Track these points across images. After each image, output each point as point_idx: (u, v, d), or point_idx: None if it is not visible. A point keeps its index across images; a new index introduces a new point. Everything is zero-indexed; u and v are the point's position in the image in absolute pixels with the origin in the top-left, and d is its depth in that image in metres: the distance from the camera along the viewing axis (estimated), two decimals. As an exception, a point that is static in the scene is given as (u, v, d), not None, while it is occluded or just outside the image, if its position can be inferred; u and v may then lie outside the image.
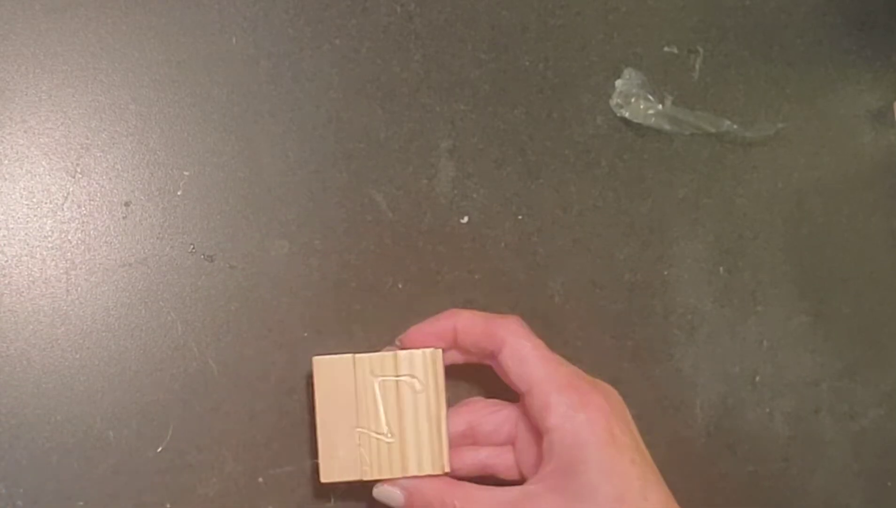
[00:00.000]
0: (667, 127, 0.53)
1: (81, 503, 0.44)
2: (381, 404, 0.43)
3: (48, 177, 0.44)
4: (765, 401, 0.54)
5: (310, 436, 0.46)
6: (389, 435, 0.43)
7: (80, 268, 0.44)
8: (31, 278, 0.43)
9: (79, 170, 0.44)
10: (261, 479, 0.46)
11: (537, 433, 0.42)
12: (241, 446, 0.46)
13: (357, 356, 0.43)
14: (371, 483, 0.43)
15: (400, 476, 0.42)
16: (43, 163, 0.44)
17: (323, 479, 0.43)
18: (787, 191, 0.56)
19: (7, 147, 0.43)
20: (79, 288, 0.44)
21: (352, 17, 0.49)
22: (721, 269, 0.54)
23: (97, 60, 0.45)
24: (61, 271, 0.44)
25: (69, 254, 0.44)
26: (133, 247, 0.45)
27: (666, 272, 0.53)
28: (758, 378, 0.54)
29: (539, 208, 0.51)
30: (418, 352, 0.43)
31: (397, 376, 0.43)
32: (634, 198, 0.53)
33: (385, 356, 0.43)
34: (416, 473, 0.42)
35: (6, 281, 0.43)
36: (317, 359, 0.43)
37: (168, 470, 0.44)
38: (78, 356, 0.44)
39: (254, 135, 0.47)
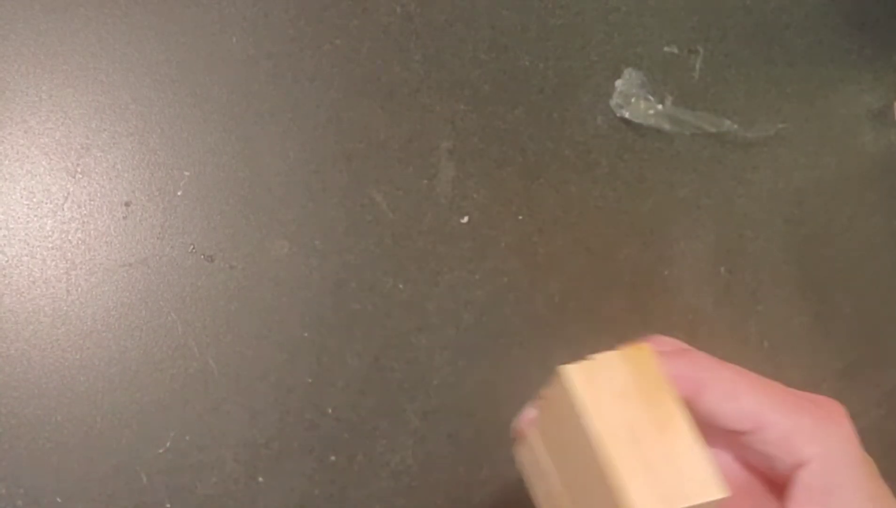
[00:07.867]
0: (667, 127, 0.53)
1: (81, 503, 0.44)
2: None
3: (48, 177, 0.44)
4: (765, 401, 0.54)
5: (313, 434, 0.46)
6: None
7: (81, 268, 0.44)
8: (31, 279, 0.43)
9: (79, 170, 0.44)
10: (261, 479, 0.46)
11: (763, 475, 0.34)
12: (241, 446, 0.46)
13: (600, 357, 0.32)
14: None
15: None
16: (43, 163, 0.44)
17: None
18: (787, 191, 0.56)
19: (7, 147, 0.43)
20: (79, 288, 0.44)
21: (352, 18, 0.49)
22: (722, 269, 0.54)
23: (97, 60, 0.45)
24: (62, 271, 0.44)
25: (69, 254, 0.44)
26: (133, 247, 0.45)
27: (666, 272, 0.53)
28: (758, 378, 0.54)
29: (539, 208, 0.51)
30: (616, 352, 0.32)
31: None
32: (635, 198, 0.53)
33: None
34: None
35: (7, 281, 0.43)
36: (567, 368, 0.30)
37: (168, 470, 0.44)
38: (78, 357, 0.44)
39: (254, 135, 0.47)
